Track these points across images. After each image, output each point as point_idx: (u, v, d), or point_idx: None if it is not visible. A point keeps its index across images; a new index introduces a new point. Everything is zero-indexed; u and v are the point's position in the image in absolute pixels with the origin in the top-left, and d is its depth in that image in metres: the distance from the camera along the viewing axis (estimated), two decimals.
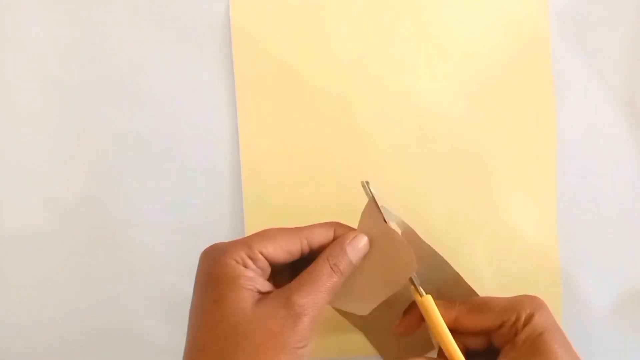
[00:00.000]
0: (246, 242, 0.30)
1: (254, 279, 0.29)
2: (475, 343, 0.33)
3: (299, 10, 0.41)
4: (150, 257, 0.41)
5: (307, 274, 0.30)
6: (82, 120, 0.41)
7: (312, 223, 0.34)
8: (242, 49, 0.41)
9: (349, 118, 0.41)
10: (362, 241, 0.32)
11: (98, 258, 0.41)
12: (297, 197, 0.41)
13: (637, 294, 0.42)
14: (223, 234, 0.41)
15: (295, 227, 0.32)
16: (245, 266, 0.29)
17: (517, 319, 0.31)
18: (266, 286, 0.29)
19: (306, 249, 0.31)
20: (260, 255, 0.29)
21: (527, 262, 0.41)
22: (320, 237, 0.32)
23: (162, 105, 0.41)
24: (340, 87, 0.41)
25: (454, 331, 0.32)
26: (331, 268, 0.30)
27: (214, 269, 0.29)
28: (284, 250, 0.30)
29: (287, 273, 0.32)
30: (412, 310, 0.34)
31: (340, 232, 0.32)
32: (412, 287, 0.33)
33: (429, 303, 0.32)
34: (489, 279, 0.41)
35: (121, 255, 0.41)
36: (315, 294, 0.29)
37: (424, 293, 0.32)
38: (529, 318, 0.31)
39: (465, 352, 0.32)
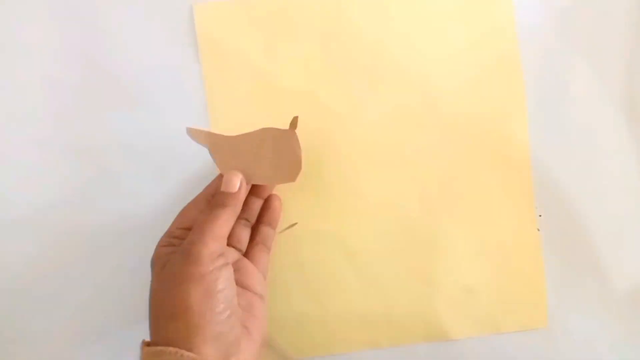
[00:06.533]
0: (166, 231, 0.36)
1: (174, 251, 0.34)
2: None
3: (263, 14, 0.40)
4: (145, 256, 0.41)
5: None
6: (78, 120, 0.41)
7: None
8: (210, 54, 0.40)
9: (319, 115, 0.41)
10: (229, 175, 0.36)
11: (92, 256, 0.41)
12: None
13: (634, 292, 0.42)
14: None
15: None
16: (173, 245, 0.35)
17: None
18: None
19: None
20: (178, 231, 0.35)
21: (509, 252, 0.41)
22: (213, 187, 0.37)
23: (143, 109, 0.41)
24: (309, 86, 0.41)
25: None
26: (210, 206, 0.35)
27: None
28: (193, 211, 0.36)
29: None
30: None
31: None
32: None
33: None
34: (470, 269, 0.41)
35: (116, 254, 0.41)
36: (199, 227, 0.33)
37: None
38: None
39: None
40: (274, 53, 0.41)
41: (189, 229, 0.35)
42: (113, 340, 0.41)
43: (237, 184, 0.35)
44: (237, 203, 0.35)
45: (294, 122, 0.35)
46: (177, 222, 0.36)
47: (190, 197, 0.40)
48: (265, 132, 0.35)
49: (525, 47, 0.41)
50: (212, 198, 0.35)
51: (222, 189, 0.35)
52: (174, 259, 0.33)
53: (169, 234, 0.35)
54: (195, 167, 0.41)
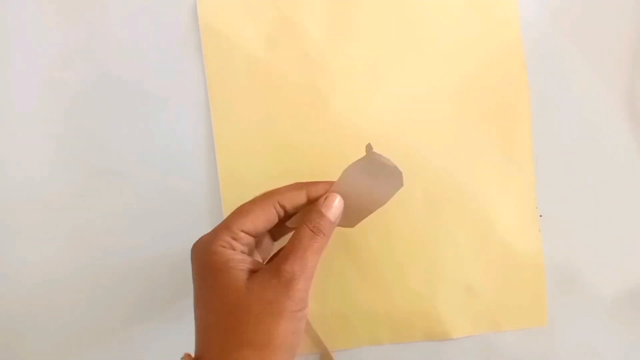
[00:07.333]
0: (227, 226, 0.31)
1: (243, 260, 0.31)
2: None
3: (266, 4, 0.41)
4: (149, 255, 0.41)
5: (290, 243, 0.31)
6: (77, 118, 0.41)
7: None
8: (212, 47, 0.41)
9: (321, 110, 0.41)
10: (335, 199, 0.33)
11: (94, 256, 0.41)
12: None
13: (634, 292, 0.42)
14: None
15: (266, 193, 0.33)
16: (233, 249, 0.31)
17: None
18: (255, 264, 0.31)
19: (281, 211, 0.33)
20: (242, 234, 0.31)
21: (509, 251, 0.42)
22: (293, 200, 0.33)
23: (135, 106, 0.41)
24: (312, 78, 0.41)
25: None
26: (312, 231, 0.31)
27: (205, 259, 0.31)
28: (262, 221, 0.32)
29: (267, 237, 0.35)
30: None
31: (313, 192, 0.33)
32: None
33: None
34: (471, 267, 0.41)
35: (116, 254, 0.41)
36: (301, 259, 0.30)
37: None
38: None
39: None
40: (276, 45, 0.41)
41: (253, 235, 0.32)
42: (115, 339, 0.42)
43: (340, 208, 0.33)
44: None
45: (369, 146, 0.33)
46: (238, 222, 0.31)
47: (190, 196, 0.41)
48: (351, 170, 0.33)
49: (528, 46, 0.41)
50: (311, 222, 0.32)
51: (327, 214, 0.32)
52: (268, 283, 0.30)
53: (229, 232, 0.31)
54: (197, 164, 0.41)
